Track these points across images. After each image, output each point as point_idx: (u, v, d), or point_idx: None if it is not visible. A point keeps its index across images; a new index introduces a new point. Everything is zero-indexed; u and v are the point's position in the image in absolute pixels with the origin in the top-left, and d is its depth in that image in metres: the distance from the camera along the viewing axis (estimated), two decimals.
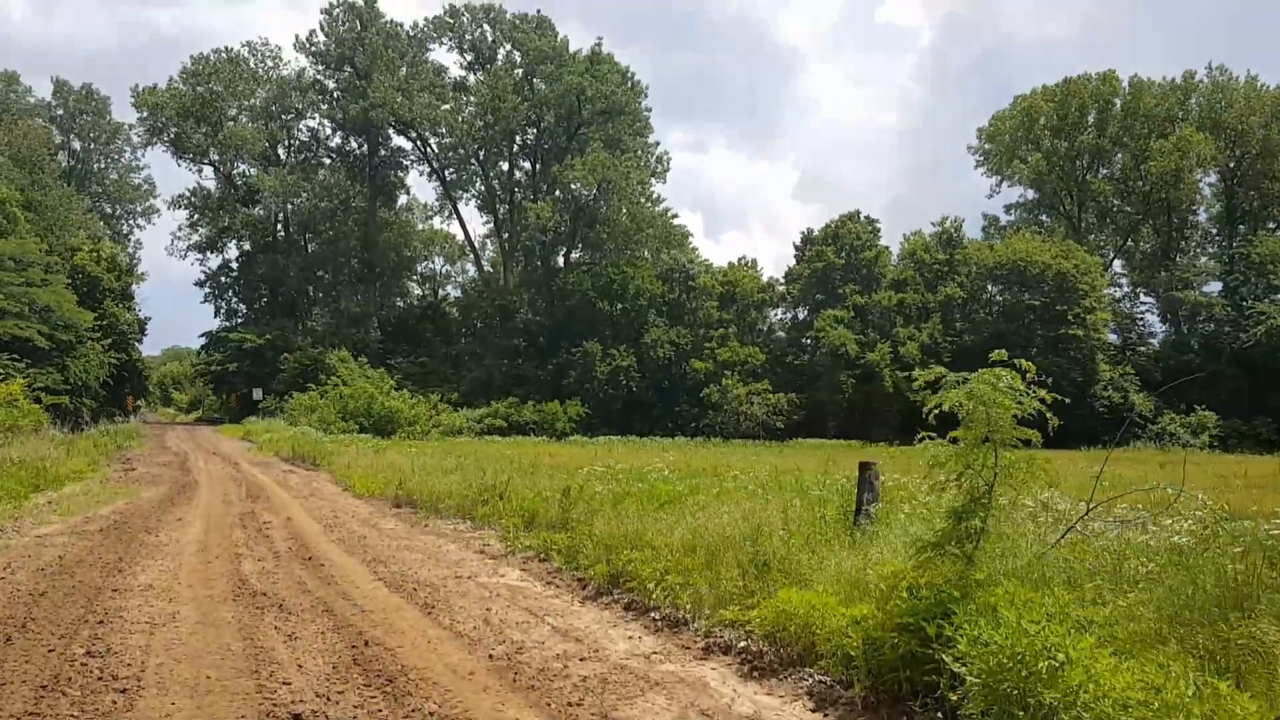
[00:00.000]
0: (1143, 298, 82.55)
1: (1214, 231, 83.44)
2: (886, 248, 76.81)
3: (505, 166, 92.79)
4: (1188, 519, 8.11)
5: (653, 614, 9.73)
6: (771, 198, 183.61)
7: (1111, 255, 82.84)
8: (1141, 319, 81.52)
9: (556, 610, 10.25)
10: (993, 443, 6.68)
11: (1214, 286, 79.15)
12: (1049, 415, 6.70)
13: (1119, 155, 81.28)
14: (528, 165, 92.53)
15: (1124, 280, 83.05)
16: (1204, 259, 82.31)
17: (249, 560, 13.24)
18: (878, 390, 69.32)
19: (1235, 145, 77.46)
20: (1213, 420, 68.82)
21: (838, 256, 75.12)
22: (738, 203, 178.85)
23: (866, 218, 77.10)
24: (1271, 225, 78.59)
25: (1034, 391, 6.80)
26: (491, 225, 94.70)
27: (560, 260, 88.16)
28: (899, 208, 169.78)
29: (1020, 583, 6.35)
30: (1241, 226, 79.29)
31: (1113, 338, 76.10)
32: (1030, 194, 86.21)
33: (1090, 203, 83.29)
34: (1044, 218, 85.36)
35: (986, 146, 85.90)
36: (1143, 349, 79.34)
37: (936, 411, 6.98)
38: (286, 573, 12.32)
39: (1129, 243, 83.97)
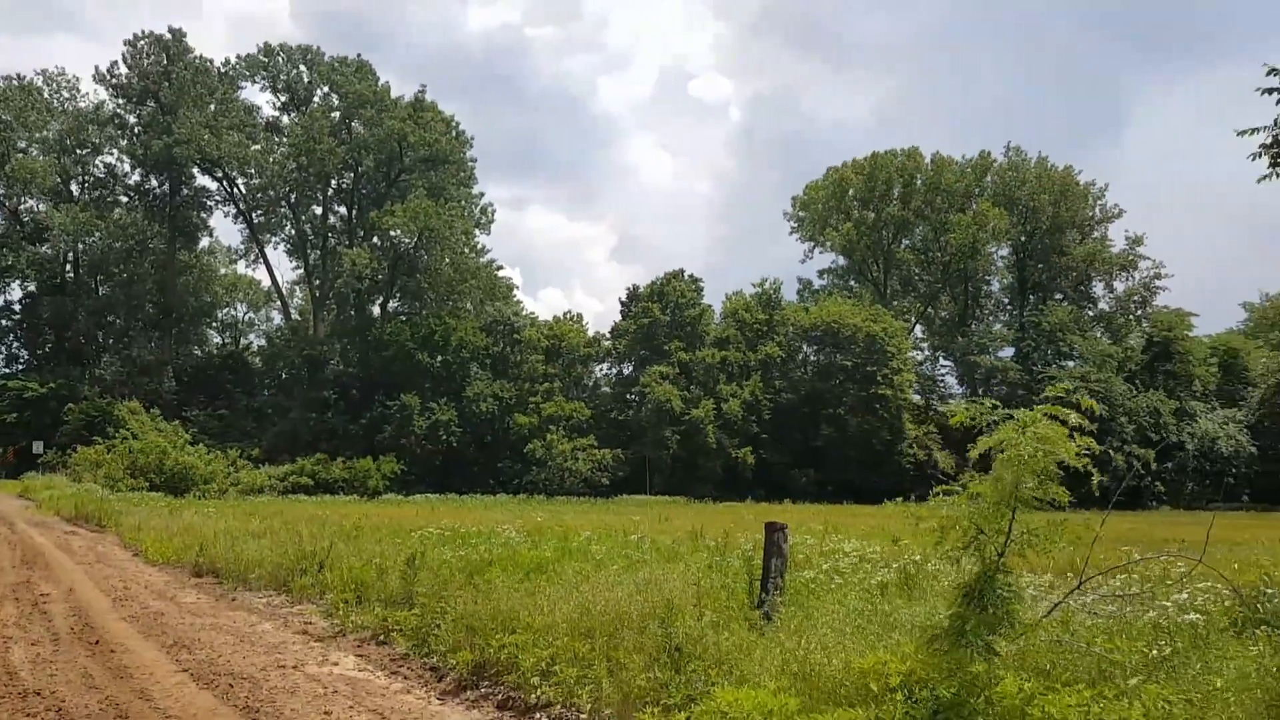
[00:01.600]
0: (942, 361, 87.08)
1: (1006, 301, 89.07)
2: (709, 306, 77.84)
3: (319, 211, 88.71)
4: (1197, 592, 7.33)
5: (539, 715, 8.11)
6: (590, 257, 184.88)
7: (914, 320, 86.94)
8: (941, 381, 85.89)
9: (411, 712, 8.46)
10: (1017, 500, 5.57)
11: (1007, 352, 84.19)
12: (1093, 470, 5.66)
13: (920, 227, 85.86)
14: (343, 210, 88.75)
15: (925, 344, 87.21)
16: (998, 326, 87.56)
17: (20, 645, 10.91)
18: (701, 446, 69.48)
19: (1027, 221, 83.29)
20: None
21: (663, 313, 75.33)
22: (557, 261, 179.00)
23: (690, 276, 77.98)
24: (1059, 296, 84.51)
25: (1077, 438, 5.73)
26: (302, 271, 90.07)
27: (376, 309, 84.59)
28: (714, 272, 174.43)
29: (1043, 678, 5.24)
30: (1032, 297, 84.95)
31: (916, 398, 79.46)
32: (841, 260, 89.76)
33: (895, 270, 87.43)
34: (853, 283, 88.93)
35: (800, 214, 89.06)
36: (943, 409, 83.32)
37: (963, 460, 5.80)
38: (68, 661, 10.11)
39: (929, 309, 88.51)
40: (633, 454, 71.56)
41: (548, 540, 15.73)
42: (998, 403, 6.25)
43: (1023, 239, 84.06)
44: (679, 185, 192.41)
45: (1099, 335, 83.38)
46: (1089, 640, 6.09)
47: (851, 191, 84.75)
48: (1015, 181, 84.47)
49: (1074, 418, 5.79)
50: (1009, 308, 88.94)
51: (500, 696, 8.76)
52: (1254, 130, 12.28)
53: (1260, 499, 75.62)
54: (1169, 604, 7.35)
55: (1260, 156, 12.37)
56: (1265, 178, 12.32)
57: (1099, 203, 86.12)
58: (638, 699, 7.39)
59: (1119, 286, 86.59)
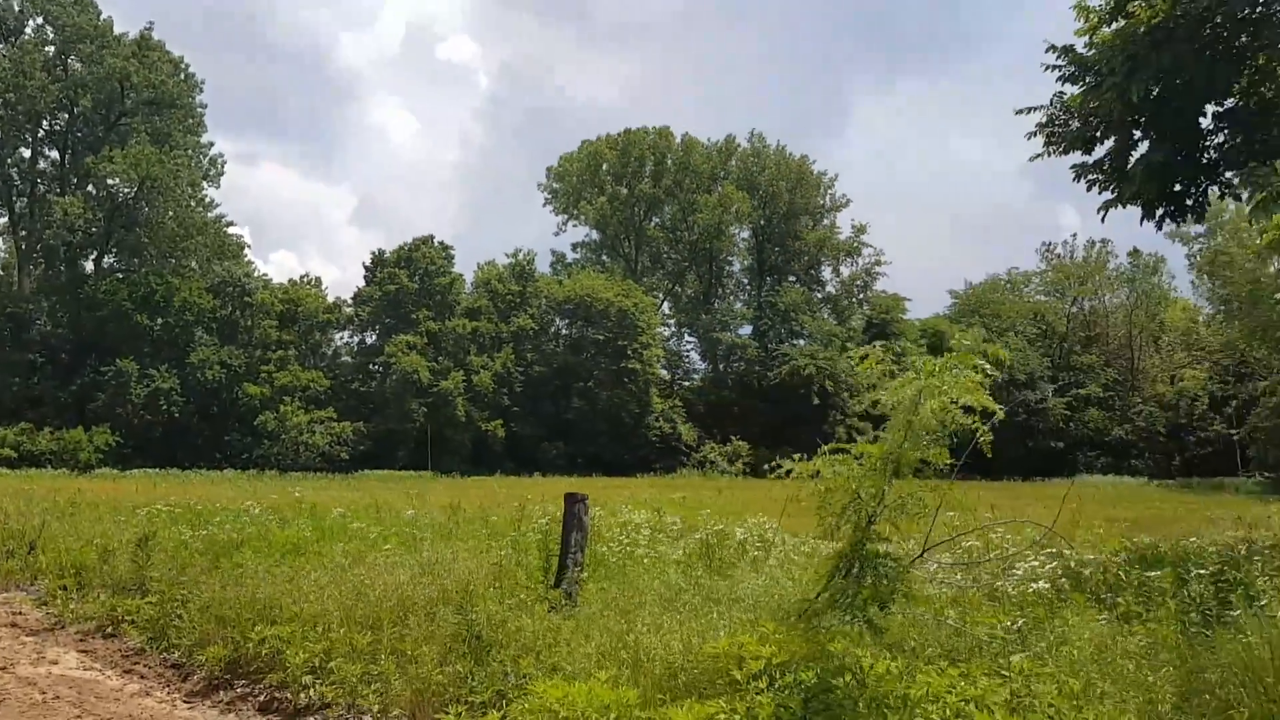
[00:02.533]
0: (687, 337, 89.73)
1: (746, 281, 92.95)
2: (460, 275, 75.96)
3: (27, 154, 78.44)
4: (1042, 559, 7.27)
5: (313, 719, 7.03)
6: (328, 220, 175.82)
7: (663, 297, 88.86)
8: (686, 357, 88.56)
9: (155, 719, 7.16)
10: (900, 461, 5.13)
11: (746, 329, 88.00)
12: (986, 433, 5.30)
13: (670, 205, 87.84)
14: (55, 155, 78.98)
15: (672, 321, 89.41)
16: (739, 305, 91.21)
17: None
18: (450, 419, 67.82)
19: (766, 205, 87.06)
20: (745, 449, 75.83)
21: (411, 281, 72.64)
22: (291, 222, 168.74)
23: (441, 243, 75.77)
24: (793, 278, 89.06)
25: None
26: (6, 220, 79.49)
27: (90, 265, 76.11)
28: (463, 242, 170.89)
29: (902, 655, 4.86)
30: (769, 278, 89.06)
31: (664, 373, 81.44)
32: (594, 234, 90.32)
33: (646, 247, 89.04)
34: (605, 258, 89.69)
35: (555, 186, 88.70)
36: (687, 384, 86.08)
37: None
38: None
39: (677, 287, 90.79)
40: (375, 427, 68.79)
41: (299, 519, 14.22)
42: (894, 348, 5.85)
43: (762, 223, 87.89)
44: (425, 150, 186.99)
45: (826, 316, 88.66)
46: (939, 612, 5.87)
47: (605, 166, 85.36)
48: (757, 167, 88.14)
49: (976, 376, 5.41)
50: (748, 288, 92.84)
51: (262, 698, 7.60)
52: (1030, 109, 12.79)
53: (966, 469, 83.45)
54: (1019, 572, 7.36)
55: (1035, 135, 12.91)
56: (1038, 156, 12.88)
57: (829, 192, 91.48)
58: (435, 697, 6.52)
59: (845, 271, 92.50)
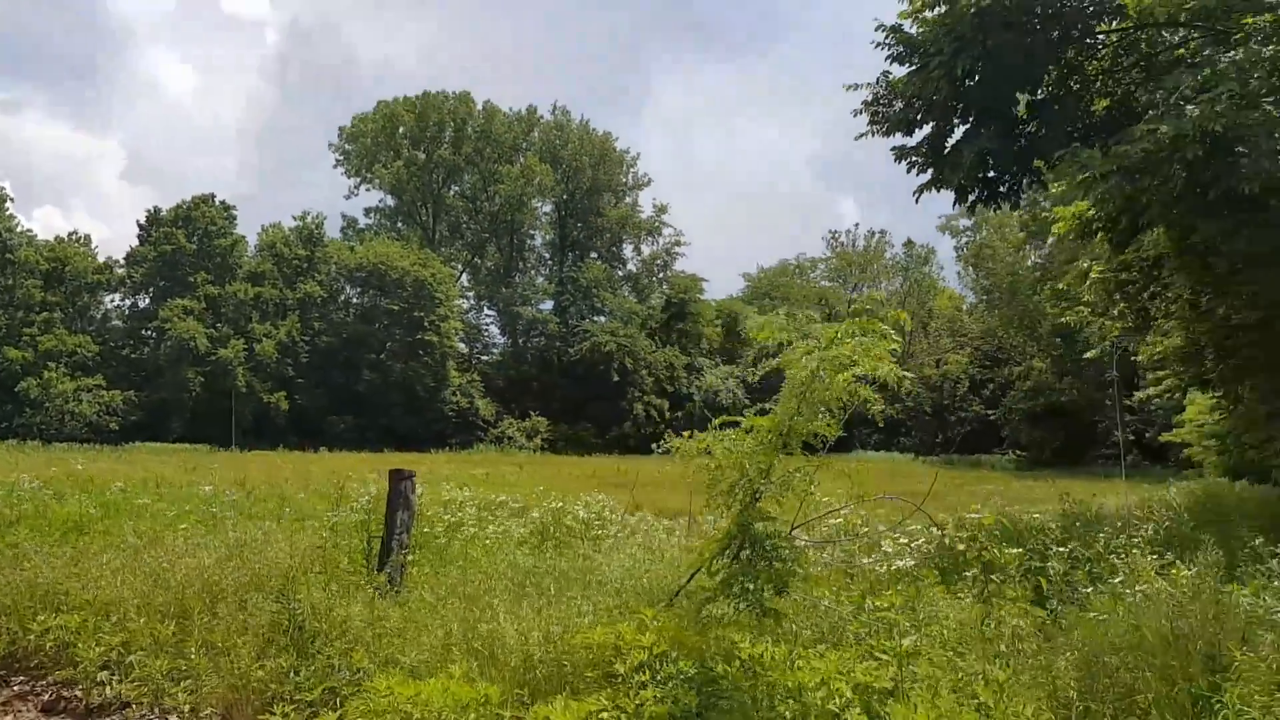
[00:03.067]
0: (486, 310, 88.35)
1: (547, 256, 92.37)
2: (243, 237, 71.41)
3: None
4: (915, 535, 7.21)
5: None
6: (97, 176, 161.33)
7: (461, 268, 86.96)
8: (486, 330, 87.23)
9: None
10: (791, 433, 4.87)
11: (547, 305, 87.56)
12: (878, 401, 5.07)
13: (470, 174, 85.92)
14: None
15: (471, 293, 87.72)
16: (540, 280, 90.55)
17: None
18: (229, 390, 63.86)
19: (569, 180, 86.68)
20: (544, 425, 75.61)
21: (189, 241, 67.66)
22: (54, 176, 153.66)
23: (223, 203, 70.83)
24: (594, 255, 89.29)
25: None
26: None
27: None
28: (246, 203, 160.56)
29: (781, 639, 4.65)
30: (571, 254, 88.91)
31: (462, 346, 79.88)
32: (390, 200, 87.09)
33: (444, 216, 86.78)
34: (401, 225, 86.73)
35: (347, 147, 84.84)
36: (486, 358, 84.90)
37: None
38: None
39: (476, 258, 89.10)
40: (148, 397, 63.91)
41: (79, 494, 12.72)
42: (795, 314, 5.59)
43: (565, 197, 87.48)
44: (205, 107, 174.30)
45: (626, 293, 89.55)
46: (806, 593, 5.71)
47: (402, 129, 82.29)
48: (560, 140, 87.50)
49: (888, 344, 5.21)
50: (550, 262, 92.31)
51: (47, 696, 6.59)
52: (856, 86, 13.01)
53: None
54: (888, 549, 7.33)
55: (860, 114, 13.16)
56: (863, 135, 13.14)
57: (631, 170, 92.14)
58: (255, 695, 5.81)
59: (645, 250, 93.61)
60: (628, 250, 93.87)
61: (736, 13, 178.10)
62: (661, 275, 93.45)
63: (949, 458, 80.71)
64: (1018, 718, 3.99)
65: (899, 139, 13.05)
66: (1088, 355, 36.27)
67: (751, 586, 4.82)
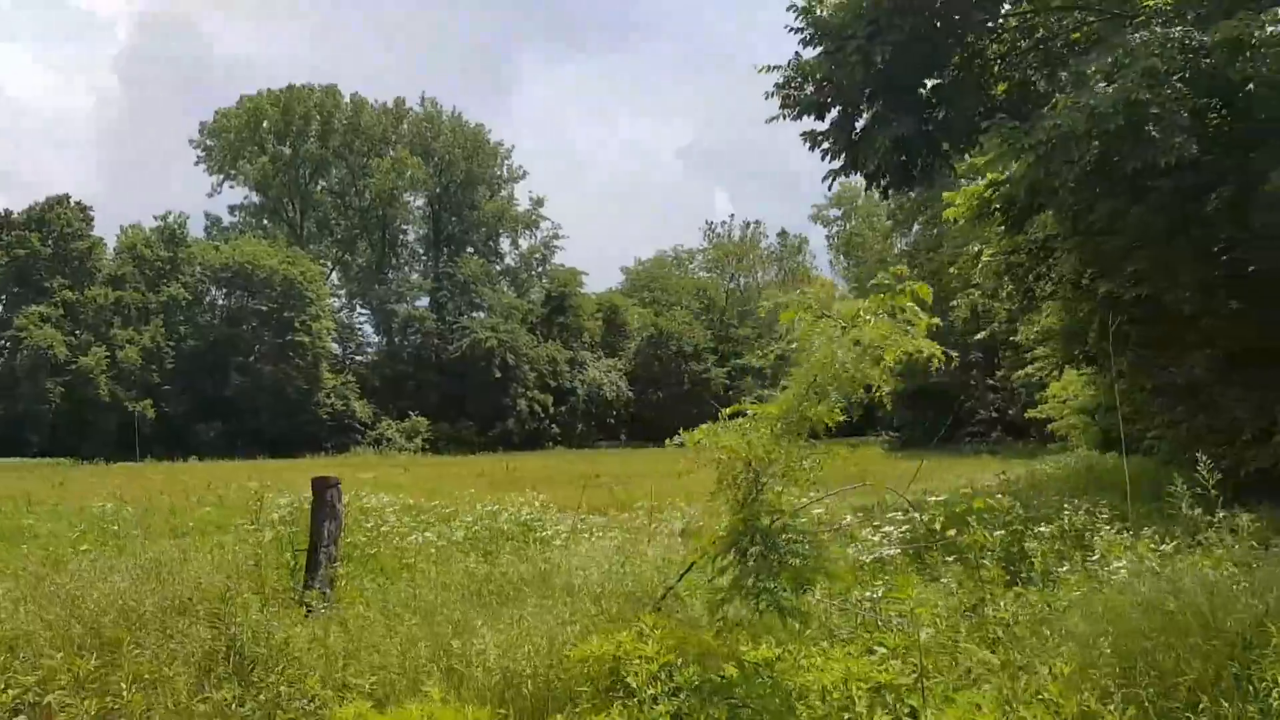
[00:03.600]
0: (359, 309, 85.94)
1: (421, 251, 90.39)
2: (101, 240, 67.43)
3: None
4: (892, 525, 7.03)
5: None
6: None
7: (331, 266, 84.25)
8: (360, 329, 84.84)
9: None
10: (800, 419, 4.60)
11: (423, 302, 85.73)
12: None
13: (338, 168, 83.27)
14: None
15: (341, 292, 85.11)
16: (415, 276, 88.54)
17: None
18: (92, 399, 60.32)
19: (442, 173, 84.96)
20: (425, 425, 74.10)
21: (44, 245, 63.43)
22: None
23: (79, 204, 66.69)
24: (470, 250, 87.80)
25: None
26: None
27: None
28: (100, 203, 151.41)
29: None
30: (446, 249, 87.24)
31: (335, 347, 77.51)
32: (255, 197, 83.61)
33: (312, 212, 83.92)
34: (267, 222, 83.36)
35: (209, 143, 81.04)
36: (360, 358, 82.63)
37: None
38: None
39: (346, 255, 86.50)
40: (4, 410, 59.84)
41: None
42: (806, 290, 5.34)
43: (438, 191, 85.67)
44: (54, 105, 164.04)
45: (505, 288, 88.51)
46: (829, 589, 5.48)
47: (266, 124, 79.00)
48: (431, 133, 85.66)
49: (924, 320, 4.98)
50: (424, 258, 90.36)
51: None
52: (770, 68, 12.94)
53: (634, 436, 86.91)
54: (872, 536, 7.17)
55: (773, 96, 13.11)
56: (774, 119, 13.09)
57: (506, 162, 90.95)
58: None
59: (523, 244, 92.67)
60: (505, 244, 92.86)
61: (600, 8, 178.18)
62: (541, 269, 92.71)
63: (827, 442, 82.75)
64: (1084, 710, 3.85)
65: (809, 123, 13.08)
66: (979, 337, 37.26)
67: (771, 585, 4.57)
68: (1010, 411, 69.64)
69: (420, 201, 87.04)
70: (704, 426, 5.23)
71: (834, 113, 12.85)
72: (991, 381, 75.01)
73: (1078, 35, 11.81)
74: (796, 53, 12.75)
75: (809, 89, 12.74)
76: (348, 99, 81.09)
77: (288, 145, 79.78)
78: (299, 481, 24.78)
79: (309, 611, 6.80)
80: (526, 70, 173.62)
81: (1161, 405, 16.85)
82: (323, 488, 7.86)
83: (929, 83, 12.54)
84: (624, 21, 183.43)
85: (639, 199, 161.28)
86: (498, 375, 78.81)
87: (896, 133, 12.29)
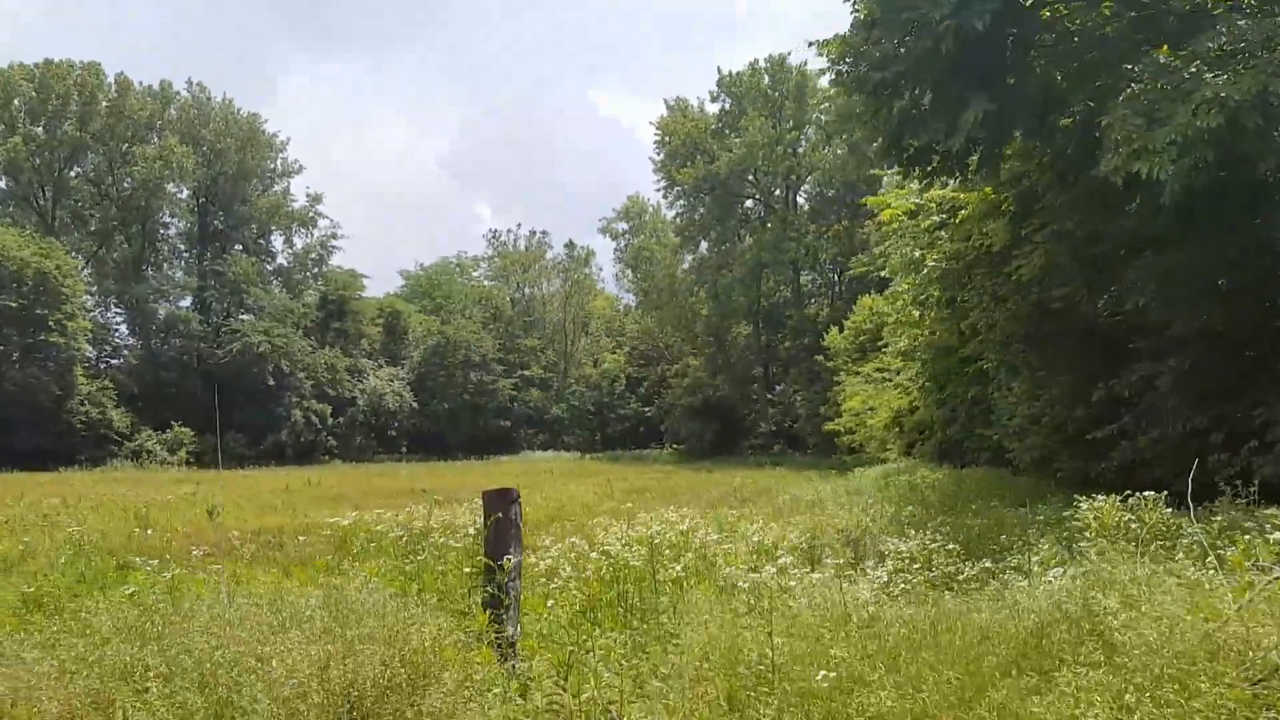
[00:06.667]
0: (114, 308, 78.00)
1: (183, 247, 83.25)
2: None
3: None
4: None
5: None
6: None
7: (84, 261, 75.80)
8: (116, 330, 76.94)
9: None
10: None
11: (185, 302, 79.04)
12: None
13: (95, 154, 75.10)
14: None
15: (94, 289, 76.77)
16: (178, 274, 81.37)
17: None
18: None
19: (210, 164, 78.62)
20: (189, 436, 68.30)
21: None
22: None
23: None
24: (239, 247, 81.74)
25: None
26: None
27: None
28: None
29: None
30: (214, 245, 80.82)
31: (89, 350, 69.85)
32: (2, 181, 73.44)
33: (65, 200, 75.20)
34: (14, 209, 73.51)
35: None
36: (116, 362, 75.04)
37: None
38: None
39: (101, 249, 78.19)
40: None
41: None
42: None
43: (207, 183, 79.16)
44: None
45: (277, 290, 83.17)
46: None
47: (18, 101, 69.81)
48: (200, 120, 79.12)
49: None
50: (185, 254, 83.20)
51: None
52: (819, 42, 12.36)
53: (415, 449, 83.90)
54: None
55: (827, 73, 12.43)
56: (826, 104, 12.62)
57: (280, 155, 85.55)
58: None
59: (298, 242, 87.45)
60: (278, 242, 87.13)
61: (366, 13, 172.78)
62: (316, 270, 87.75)
63: (614, 454, 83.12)
64: None
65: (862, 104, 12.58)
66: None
67: None
68: (793, 425, 73.09)
69: (185, 194, 79.99)
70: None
71: (903, 94, 12.34)
72: (771, 396, 78.60)
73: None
74: (854, 28, 12.31)
75: (863, 67, 12.32)
76: (112, 79, 73.26)
77: (42, 126, 70.92)
78: (79, 494, 21.86)
79: (512, 676, 5.66)
80: (286, 71, 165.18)
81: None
82: (502, 503, 6.70)
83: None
84: (385, 29, 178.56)
85: (402, 206, 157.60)
86: (270, 383, 73.93)
87: (982, 108, 11.71)
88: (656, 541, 7.17)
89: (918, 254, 19.54)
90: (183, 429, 68.14)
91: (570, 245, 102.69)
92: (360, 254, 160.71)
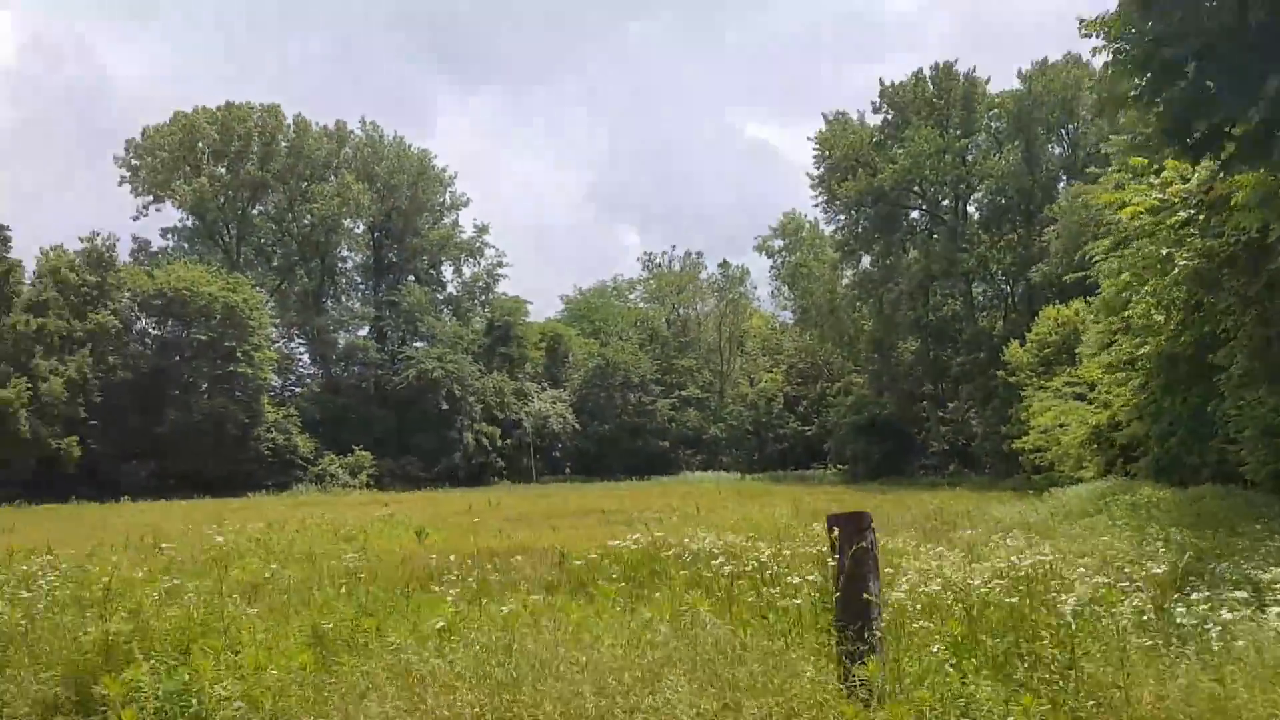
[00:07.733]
0: (296, 339, 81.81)
1: (359, 280, 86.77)
2: (19, 262, 62.14)
3: None
4: None
5: None
6: None
7: (268, 295, 79.96)
8: (299, 360, 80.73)
9: None
10: None
11: (363, 331, 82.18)
12: None
13: (277, 193, 79.19)
14: None
15: (278, 321, 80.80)
16: (356, 304, 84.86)
17: None
18: (11, 436, 55.16)
19: (384, 199, 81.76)
20: (369, 460, 70.57)
21: None
22: None
23: None
24: (412, 278, 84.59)
25: None
26: None
27: None
28: (14, 225, 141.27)
29: None
30: (389, 277, 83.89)
31: (275, 379, 73.38)
32: (189, 220, 78.60)
33: (249, 238, 79.62)
34: (201, 247, 78.48)
35: (135, 163, 76.02)
36: (300, 390, 78.52)
37: None
38: None
39: (284, 284, 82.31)
40: None
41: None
42: None
43: (381, 217, 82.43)
44: None
45: (447, 317, 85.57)
46: None
47: (202, 143, 74.51)
48: (374, 158, 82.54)
49: None
50: (362, 286, 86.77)
51: None
52: (1089, 21, 11.40)
53: (578, 471, 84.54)
54: None
55: (1099, 53, 11.47)
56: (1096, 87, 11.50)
57: (449, 189, 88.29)
58: None
59: (467, 271, 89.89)
60: (447, 272, 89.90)
61: (513, 46, 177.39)
62: (483, 298, 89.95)
63: (775, 475, 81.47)
64: None
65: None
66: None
67: None
68: (968, 444, 69.89)
69: (361, 229, 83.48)
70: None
71: (1188, 66, 11.28)
72: (943, 413, 75.37)
73: None
74: (1121, 3, 11.34)
75: (1143, 47, 11.30)
76: (290, 120, 77.30)
77: (225, 166, 75.43)
78: (249, 518, 22.12)
79: None
80: (440, 109, 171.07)
81: None
82: (857, 529, 5.86)
83: None
84: (532, 63, 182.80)
85: (549, 234, 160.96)
86: (444, 407, 75.79)
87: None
88: (1023, 574, 6.24)
89: (1164, 252, 17.86)
90: (363, 453, 70.49)
91: (724, 264, 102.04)
92: (513, 281, 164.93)
